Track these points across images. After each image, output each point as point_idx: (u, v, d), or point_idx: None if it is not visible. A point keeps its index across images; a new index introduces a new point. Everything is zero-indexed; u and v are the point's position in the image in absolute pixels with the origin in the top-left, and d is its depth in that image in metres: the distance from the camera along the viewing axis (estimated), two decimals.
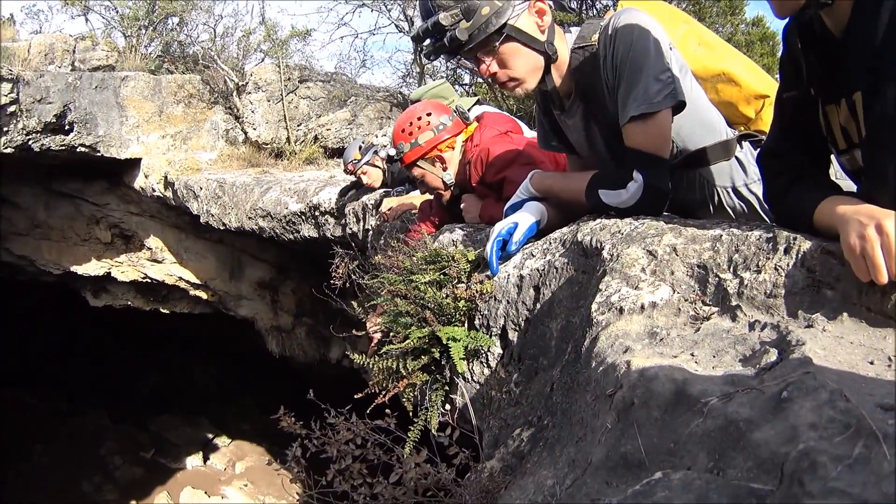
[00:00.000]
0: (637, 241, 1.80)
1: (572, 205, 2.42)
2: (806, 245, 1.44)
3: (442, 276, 2.50)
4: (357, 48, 29.46)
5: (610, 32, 2.22)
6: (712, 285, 1.56)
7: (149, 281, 12.43)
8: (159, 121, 11.32)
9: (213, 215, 9.84)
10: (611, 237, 1.93)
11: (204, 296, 12.58)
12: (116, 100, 10.80)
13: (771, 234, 1.53)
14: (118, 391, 16.12)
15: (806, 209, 1.57)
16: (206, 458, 14.68)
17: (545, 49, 2.32)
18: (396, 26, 14.40)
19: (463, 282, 2.45)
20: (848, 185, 1.73)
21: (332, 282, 4.49)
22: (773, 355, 1.21)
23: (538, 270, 2.20)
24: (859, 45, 1.46)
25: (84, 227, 12.20)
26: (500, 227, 2.42)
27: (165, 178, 10.85)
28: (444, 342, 2.30)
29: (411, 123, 3.54)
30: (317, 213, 8.06)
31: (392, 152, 3.67)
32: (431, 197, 3.98)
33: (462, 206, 3.43)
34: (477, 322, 2.39)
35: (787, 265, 1.45)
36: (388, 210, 5.07)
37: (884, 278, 1.23)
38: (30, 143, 9.71)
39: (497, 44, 2.26)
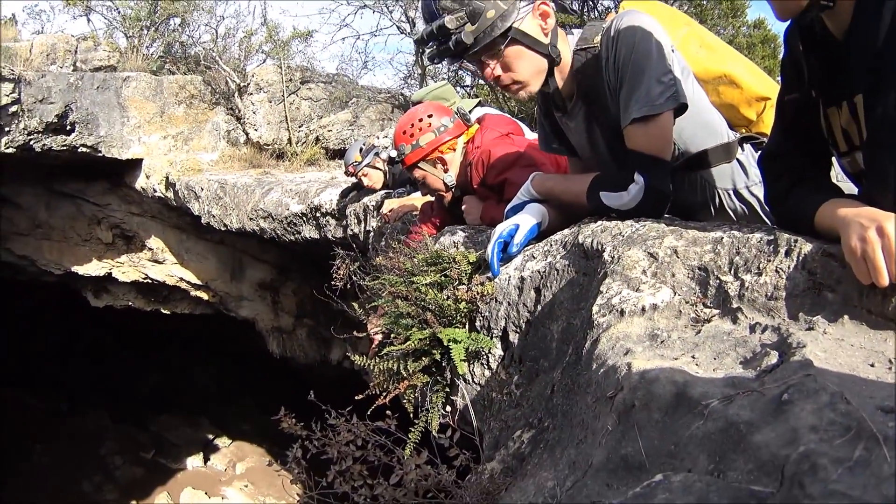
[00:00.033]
0: (638, 244, 1.80)
1: (573, 207, 2.42)
2: (807, 247, 1.44)
3: (443, 278, 2.50)
4: (358, 49, 29.54)
5: (612, 34, 2.21)
6: (713, 287, 1.56)
7: (150, 281, 12.43)
8: (161, 121, 11.33)
9: (214, 216, 9.84)
10: (612, 239, 1.93)
11: (205, 297, 12.58)
12: (118, 100, 10.81)
13: (772, 237, 1.53)
14: (118, 391, 16.12)
15: (807, 211, 1.57)
16: (206, 459, 14.67)
17: (549, 52, 2.32)
18: (398, 28, 14.43)
19: (464, 283, 2.45)
20: (849, 187, 1.73)
21: (332, 283, 4.49)
22: (773, 358, 1.21)
23: (539, 272, 2.20)
24: (860, 48, 1.46)
25: (85, 227, 12.21)
26: (502, 228, 2.42)
27: (167, 178, 10.85)
28: (445, 344, 2.29)
29: (412, 125, 3.54)
30: (318, 215, 8.06)
31: (393, 154, 3.67)
32: (432, 198, 3.98)
33: (463, 207, 3.43)
34: (478, 324, 2.39)
35: (788, 267, 1.45)
36: (390, 211, 5.07)
37: (885, 281, 1.23)
38: (31, 143, 9.72)
39: (502, 47, 2.25)
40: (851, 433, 0.87)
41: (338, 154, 12.00)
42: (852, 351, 1.21)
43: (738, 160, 2.46)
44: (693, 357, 1.31)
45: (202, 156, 11.59)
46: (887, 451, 0.82)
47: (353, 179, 6.86)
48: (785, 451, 0.89)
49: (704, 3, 9.89)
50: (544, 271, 2.18)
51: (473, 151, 3.43)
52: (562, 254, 2.17)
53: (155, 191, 11.03)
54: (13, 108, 9.40)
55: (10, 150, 9.56)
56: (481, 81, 11.88)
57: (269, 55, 13.28)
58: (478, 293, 2.34)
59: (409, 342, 2.38)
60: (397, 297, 2.53)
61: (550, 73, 2.38)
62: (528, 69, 2.32)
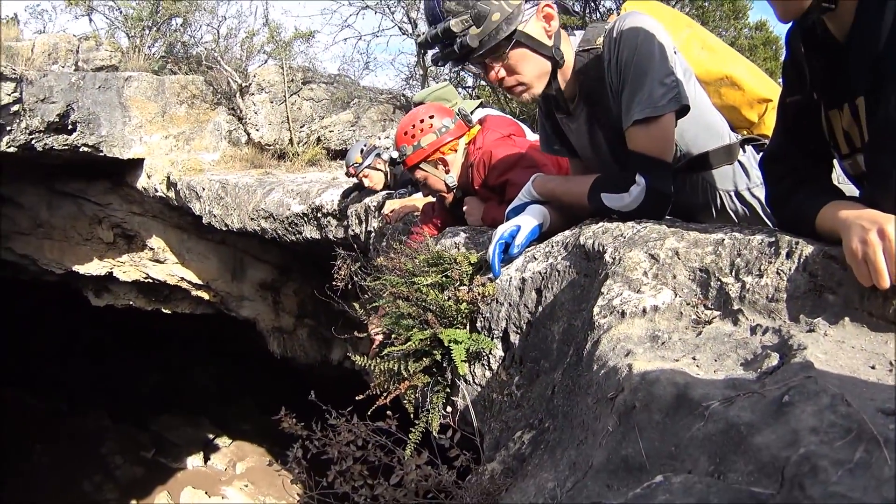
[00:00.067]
0: (639, 245, 1.80)
1: (574, 208, 2.42)
2: (808, 249, 1.44)
3: (444, 279, 2.50)
4: (360, 50, 29.55)
5: (615, 35, 2.21)
6: (714, 289, 1.56)
7: (151, 281, 12.45)
8: (162, 121, 11.34)
9: (215, 216, 9.84)
10: (613, 241, 1.93)
11: (206, 296, 12.59)
12: (119, 100, 10.82)
13: (773, 239, 1.53)
14: (119, 391, 16.13)
15: (808, 213, 1.57)
16: (206, 459, 14.68)
17: (552, 54, 2.31)
18: (400, 28, 14.43)
19: (465, 284, 2.45)
20: (850, 189, 1.73)
21: (333, 283, 4.49)
22: (774, 359, 1.21)
23: (540, 273, 2.20)
24: (862, 50, 1.46)
25: (86, 226, 12.22)
26: (503, 229, 2.42)
27: (168, 178, 10.86)
28: (446, 344, 2.29)
29: (414, 126, 3.54)
30: (319, 215, 8.06)
31: (395, 155, 3.67)
32: (434, 199, 3.98)
33: (464, 208, 3.43)
34: (479, 324, 2.39)
35: (790, 269, 1.45)
36: (391, 212, 5.07)
37: (885, 283, 1.23)
38: (33, 142, 9.73)
39: (506, 50, 2.24)
40: (852, 435, 0.87)
41: (339, 154, 12.00)
42: (853, 353, 1.21)
43: (739, 162, 2.46)
44: (694, 358, 1.31)
45: (203, 156, 11.60)
46: (888, 453, 0.82)
47: (355, 180, 6.87)
48: (785, 452, 0.89)
49: (706, 4, 9.91)
50: (545, 272, 2.18)
51: (475, 152, 3.43)
52: (563, 255, 2.17)
53: (156, 190, 11.04)
54: (15, 108, 9.42)
55: (12, 150, 9.57)
56: (483, 82, 11.90)
57: (271, 55, 13.29)
58: (479, 294, 2.34)
59: (409, 343, 2.38)
60: (398, 297, 2.53)
61: (553, 75, 2.37)
62: (532, 72, 2.31)
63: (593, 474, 1.20)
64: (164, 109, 11.39)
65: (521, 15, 2.21)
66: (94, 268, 12.25)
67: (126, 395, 16.11)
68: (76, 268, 12.18)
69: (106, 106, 10.64)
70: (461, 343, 2.29)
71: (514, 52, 2.25)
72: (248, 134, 12.12)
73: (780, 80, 1.87)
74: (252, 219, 9.21)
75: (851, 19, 1.48)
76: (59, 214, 12.04)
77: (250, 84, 12.23)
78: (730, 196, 2.49)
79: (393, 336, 2.58)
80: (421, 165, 3.58)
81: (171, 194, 10.85)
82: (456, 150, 3.54)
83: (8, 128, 9.42)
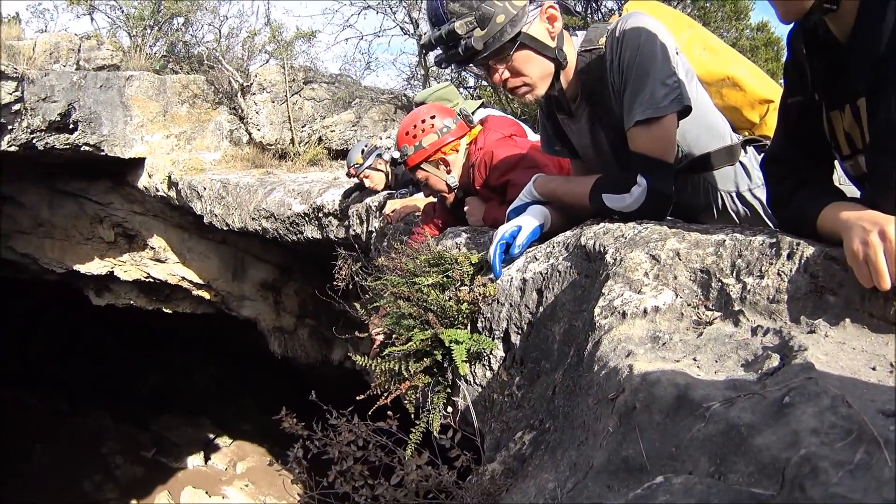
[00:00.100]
0: (640, 246, 1.80)
1: (576, 209, 2.42)
2: (809, 250, 1.44)
3: (445, 279, 2.51)
4: (362, 50, 29.51)
5: (617, 35, 2.21)
6: (715, 290, 1.56)
7: (152, 280, 12.45)
8: (163, 120, 11.35)
9: (216, 215, 9.84)
10: (614, 241, 1.93)
11: (207, 296, 12.59)
12: (121, 99, 10.83)
13: (774, 240, 1.53)
14: (119, 391, 16.13)
15: (809, 214, 1.57)
16: (207, 458, 14.68)
17: (556, 55, 2.30)
18: (401, 28, 14.42)
19: (466, 284, 2.45)
20: (851, 190, 1.73)
21: (334, 283, 4.49)
22: (775, 360, 1.21)
23: (541, 274, 2.20)
24: (864, 51, 1.46)
25: (87, 225, 12.23)
26: (504, 230, 2.41)
27: (169, 177, 10.86)
28: (447, 345, 2.29)
29: (415, 126, 3.54)
30: (320, 215, 8.06)
31: (396, 155, 3.67)
32: (435, 199, 3.98)
33: (466, 208, 3.43)
34: (479, 325, 2.39)
35: (790, 270, 1.45)
36: (392, 212, 5.07)
37: (886, 284, 1.23)
38: (34, 141, 9.74)
39: (510, 52, 2.23)
40: (852, 436, 0.87)
41: (340, 154, 12.00)
42: (854, 354, 1.21)
43: (740, 163, 2.46)
44: (694, 359, 1.31)
45: (205, 155, 11.60)
46: (888, 454, 0.82)
47: (356, 180, 6.87)
48: (786, 453, 0.89)
49: (708, 5, 9.90)
50: (546, 273, 2.18)
51: (476, 153, 3.43)
52: (564, 255, 2.17)
53: (157, 190, 11.04)
54: (16, 107, 9.42)
55: (13, 149, 9.58)
56: (484, 83, 11.89)
57: (273, 55, 13.28)
58: (480, 294, 2.34)
59: (410, 343, 2.38)
60: (399, 297, 2.53)
61: (556, 76, 2.37)
62: (535, 73, 2.31)
63: (594, 475, 1.20)
64: (165, 109, 11.39)
65: (525, 17, 2.20)
66: (95, 267, 12.26)
67: (126, 394, 16.12)
68: (77, 267, 12.19)
69: (107, 105, 10.65)
70: (462, 343, 2.29)
71: (518, 53, 2.24)
72: (250, 133, 12.12)
73: (782, 81, 1.87)
74: (253, 218, 9.21)
75: (853, 20, 1.48)
76: (60, 214, 12.05)
77: (252, 84, 12.23)
78: (731, 197, 2.49)
79: (394, 336, 2.58)
80: (422, 166, 3.58)
81: (173, 194, 10.85)
82: (457, 151, 3.54)
83: (9, 127, 9.42)
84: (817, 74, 1.64)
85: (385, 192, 6.49)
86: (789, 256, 1.47)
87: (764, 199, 2.30)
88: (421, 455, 2.02)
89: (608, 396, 1.31)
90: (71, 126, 10.17)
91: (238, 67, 12.32)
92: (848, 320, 1.31)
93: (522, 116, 9.03)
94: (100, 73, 11.03)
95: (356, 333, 3.24)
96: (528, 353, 2.18)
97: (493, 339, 2.33)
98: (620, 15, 2.37)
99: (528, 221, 2.44)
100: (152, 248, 12.23)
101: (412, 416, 2.44)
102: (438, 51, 2.32)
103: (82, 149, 10.41)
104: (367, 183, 6.56)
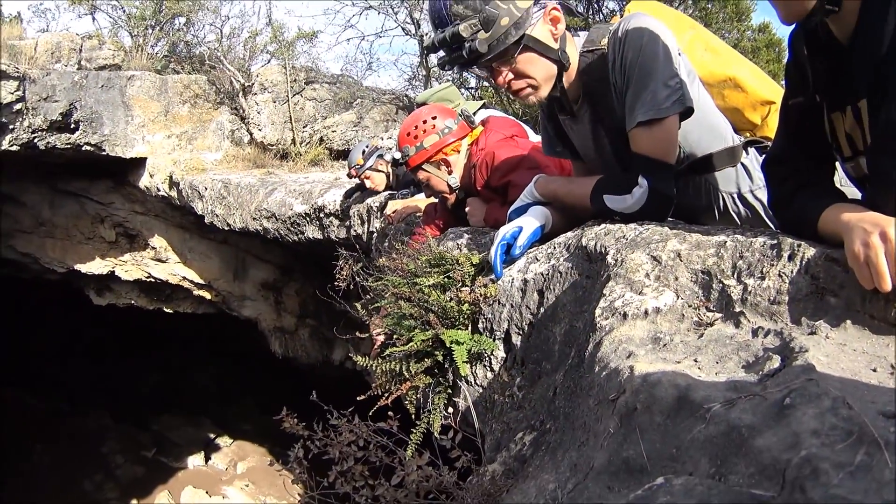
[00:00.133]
0: (641, 247, 1.80)
1: (577, 209, 2.41)
2: (810, 252, 1.44)
3: (446, 280, 2.50)
4: (363, 50, 29.57)
5: (620, 35, 2.21)
6: (716, 291, 1.56)
7: (153, 280, 12.46)
8: (165, 120, 11.36)
9: (217, 215, 9.85)
10: (615, 242, 1.93)
11: (208, 296, 12.60)
12: (122, 99, 10.84)
13: (775, 241, 1.53)
14: (119, 391, 16.14)
15: (810, 216, 1.57)
16: (207, 458, 14.68)
17: (559, 57, 2.30)
18: (403, 29, 14.42)
19: (467, 285, 2.45)
20: (852, 191, 1.73)
21: (335, 283, 4.49)
22: (776, 362, 1.21)
23: (542, 275, 2.20)
24: (865, 53, 1.46)
25: (88, 225, 12.24)
26: (505, 231, 2.41)
27: (170, 177, 10.87)
28: (448, 345, 2.29)
29: (416, 127, 3.54)
30: (321, 215, 8.07)
31: (397, 155, 3.67)
32: (436, 200, 3.98)
33: (467, 209, 3.43)
34: (480, 325, 2.39)
35: (791, 272, 1.45)
36: (393, 213, 5.07)
37: (887, 286, 1.23)
38: (35, 140, 9.75)
39: (514, 54, 2.22)
40: (853, 438, 0.87)
41: (342, 155, 12.02)
42: (855, 356, 1.21)
43: (742, 164, 2.46)
44: (695, 360, 1.31)
45: (206, 155, 11.61)
46: (888, 456, 0.82)
47: (357, 181, 6.87)
48: (786, 455, 0.89)
49: (709, 6, 9.90)
50: (547, 274, 2.18)
51: (477, 153, 3.43)
52: (565, 256, 2.17)
53: (158, 190, 11.04)
54: (17, 106, 9.43)
55: (15, 148, 9.59)
56: (486, 83, 11.89)
57: (274, 55, 13.29)
58: (481, 295, 2.34)
59: (411, 343, 2.38)
60: (400, 298, 2.53)
61: (559, 77, 2.37)
62: (539, 75, 2.30)
63: (594, 476, 1.20)
64: (166, 109, 11.41)
65: (529, 19, 2.19)
66: (96, 267, 12.27)
67: (127, 394, 16.13)
68: (78, 266, 12.20)
69: (109, 105, 10.66)
70: (463, 344, 2.29)
71: (521, 56, 2.23)
72: (251, 134, 12.14)
73: (783, 83, 1.87)
74: (254, 218, 9.22)
75: (854, 22, 1.48)
76: (62, 213, 12.06)
77: (253, 84, 12.24)
78: (732, 198, 2.49)
79: (395, 337, 2.58)
80: (423, 166, 3.58)
81: (174, 194, 10.85)
82: (458, 151, 3.54)
83: (11, 126, 9.43)
84: (819, 76, 1.64)
85: (386, 193, 6.49)
86: (790, 258, 1.47)
87: (765, 200, 2.30)
88: (421, 455, 2.02)
89: (609, 397, 1.31)
90: (72, 126, 10.18)
91: (239, 67, 12.33)
92: (849, 322, 1.31)
93: (524, 117, 9.03)
94: (101, 72, 11.04)
95: (357, 334, 3.24)
96: (529, 353, 2.18)
97: (493, 340, 2.33)
98: (622, 16, 2.37)
99: (530, 222, 2.43)
100: (153, 248, 12.24)
101: (413, 416, 2.44)
102: (441, 53, 2.31)
103: (83, 148, 10.42)
104: (367, 184, 6.56)
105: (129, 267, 12.36)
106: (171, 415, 15.71)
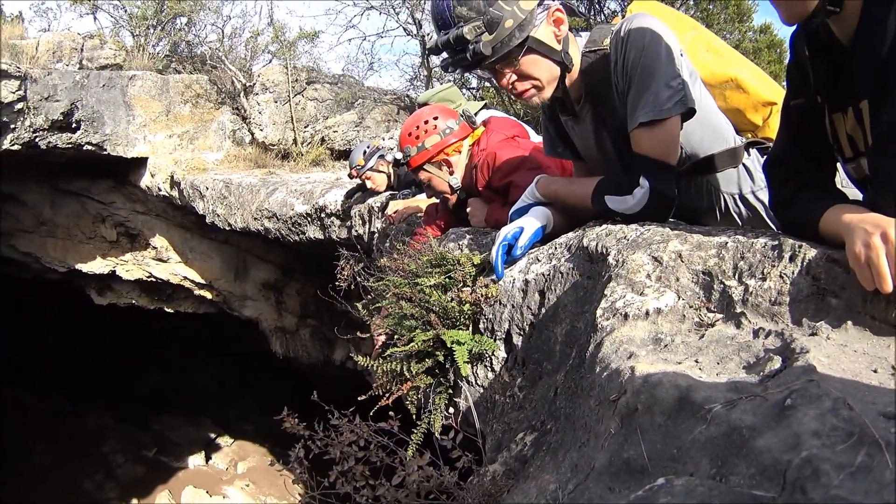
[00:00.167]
0: (643, 248, 1.80)
1: (578, 210, 2.41)
2: (811, 253, 1.44)
3: (447, 280, 2.50)
4: (365, 51, 29.56)
5: (622, 35, 2.20)
6: (717, 292, 1.56)
7: (154, 280, 12.46)
8: (166, 120, 11.36)
9: (218, 215, 9.85)
10: (616, 243, 1.93)
11: (209, 296, 12.60)
12: (124, 99, 10.84)
13: (776, 242, 1.53)
14: (120, 391, 16.15)
15: (812, 217, 1.57)
16: (208, 458, 14.69)
17: (562, 59, 2.30)
18: (404, 29, 14.43)
19: (468, 286, 2.45)
20: (854, 192, 1.73)
21: (336, 284, 4.50)
22: (777, 363, 1.21)
23: (543, 275, 2.20)
24: (866, 54, 1.46)
25: (89, 225, 12.24)
26: (506, 231, 2.41)
27: (171, 177, 10.87)
28: (449, 346, 2.29)
29: (418, 127, 3.54)
30: (323, 215, 8.07)
31: (399, 156, 3.67)
32: (437, 200, 3.99)
33: (468, 209, 3.43)
34: (481, 326, 2.39)
35: (793, 273, 1.45)
36: (394, 213, 5.08)
37: (888, 287, 1.23)
38: (36, 140, 9.76)
39: (518, 56, 2.21)
40: (854, 439, 0.87)
41: (343, 155, 12.02)
42: (855, 357, 1.21)
43: (744, 165, 2.46)
44: (696, 361, 1.31)
45: (207, 155, 11.62)
46: (889, 457, 0.82)
47: (358, 181, 6.88)
48: (787, 456, 0.90)
49: (711, 7, 9.90)
50: (548, 274, 2.18)
51: (479, 154, 3.43)
52: (566, 257, 2.17)
53: (160, 189, 11.05)
54: (19, 106, 9.44)
55: (16, 147, 9.59)
56: (487, 84, 11.89)
57: (276, 55, 13.31)
58: (482, 295, 2.34)
59: (412, 343, 2.38)
60: (401, 298, 2.53)
61: (561, 79, 2.37)
62: (543, 77, 2.30)
63: (595, 476, 1.20)
64: (168, 108, 11.41)
65: (533, 21, 2.18)
66: (97, 266, 12.27)
67: (127, 394, 16.13)
68: (79, 266, 12.20)
69: (110, 104, 10.66)
70: (464, 344, 2.29)
71: (525, 58, 2.23)
72: (252, 134, 12.14)
73: (785, 84, 1.87)
74: (255, 218, 9.22)
75: (856, 23, 1.48)
76: (63, 213, 12.06)
77: (254, 84, 12.25)
78: (734, 199, 2.49)
79: (396, 337, 2.58)
80: (425, 167, 3.58)
81: (175, 193, 10.86)
82: (460, 152, 3.54)
83: (12, 126, 9.44)
84: (820, 77, 1.64)
85: (387, 193, 6.49)
86: (791, 259, 1.47)
87: (766, 201, 2.30)
88: (422, 456, 2.02)
89: (610, 398, 1.31)
90: (73, 125, 10.19)
91: (241, 67, 12.34)
92: (850, 323, 1.31)
93: (525, 118, 9.03)
94: (103, 72, 11.05)
95: (358, 334, 3.24)
96: (530, 354, 2.18)
97: (494, 340, 2.33)
98: (624, 16, 2.37)
99: (531, 223, 2.43)
100: (154, 248, 12.24)
101: (414, 416, 2.44)
102: (445, 55, 2.30)
103: (85, 148, 10.42)
104: (368, 184, 6.57)
105: (130, 267, 12.36)
106: (172, 415, 15.71)
